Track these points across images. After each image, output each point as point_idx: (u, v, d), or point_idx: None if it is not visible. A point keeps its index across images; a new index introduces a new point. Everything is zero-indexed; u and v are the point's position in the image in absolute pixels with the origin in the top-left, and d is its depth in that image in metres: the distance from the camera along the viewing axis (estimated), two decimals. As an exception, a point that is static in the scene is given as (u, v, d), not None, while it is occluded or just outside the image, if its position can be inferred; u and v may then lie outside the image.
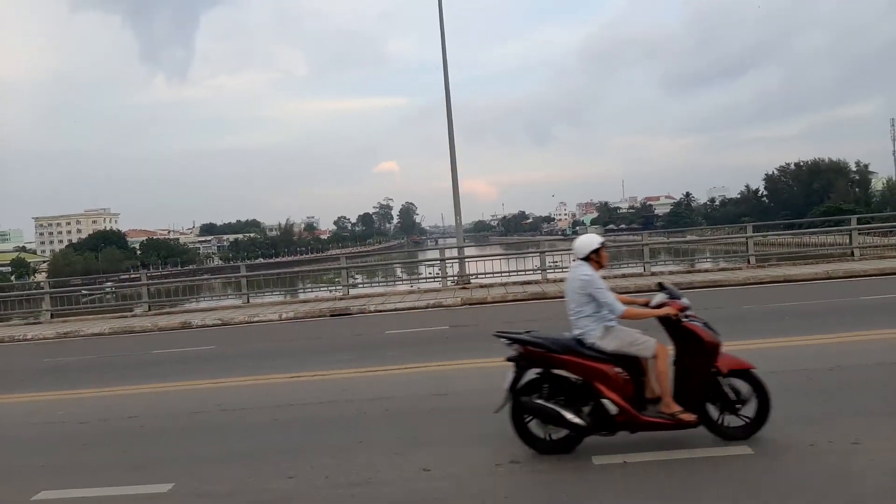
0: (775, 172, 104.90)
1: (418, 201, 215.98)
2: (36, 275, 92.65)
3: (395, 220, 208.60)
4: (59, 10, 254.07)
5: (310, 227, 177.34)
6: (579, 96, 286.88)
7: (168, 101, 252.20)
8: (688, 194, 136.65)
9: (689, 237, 44.80)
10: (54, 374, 11.61)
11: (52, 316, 20.39)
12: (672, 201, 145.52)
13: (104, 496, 5.26)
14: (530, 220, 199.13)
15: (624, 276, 19.15)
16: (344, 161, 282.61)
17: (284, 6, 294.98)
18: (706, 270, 19.12)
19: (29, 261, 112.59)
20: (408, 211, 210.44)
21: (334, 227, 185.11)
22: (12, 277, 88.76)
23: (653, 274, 18.68)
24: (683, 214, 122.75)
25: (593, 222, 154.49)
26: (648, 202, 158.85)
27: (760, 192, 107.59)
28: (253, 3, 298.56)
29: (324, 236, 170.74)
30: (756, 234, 21.07)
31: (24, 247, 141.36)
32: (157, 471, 5.75)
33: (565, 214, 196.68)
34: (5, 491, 5.54)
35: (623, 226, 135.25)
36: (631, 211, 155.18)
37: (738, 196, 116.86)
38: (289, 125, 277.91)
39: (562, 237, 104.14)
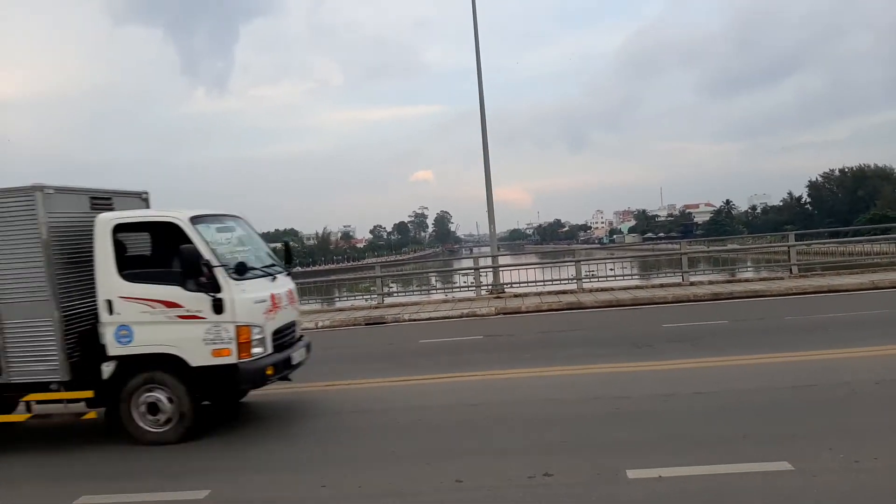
0: (819, 179, 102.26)
1: (453, 210, 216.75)
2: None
3: (431, 229, 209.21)
4: (102, 25, 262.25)
5: (346, 236, 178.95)
6: (616, 101, 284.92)
7: (208, 112, 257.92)
8: (728, 202, 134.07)
9: (729, 246, 43.89)
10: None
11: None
12: (712, 209, 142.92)
13: (144, 502, 5.38)
14: (566, 229, 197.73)
15: (662, 285, 18.87)
16: (380, 170, 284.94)
17: (321, 17, 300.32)
18: (746, 280, 18.72)
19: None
20: (443, 219, 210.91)
21: (370, 236, 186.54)
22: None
23: (691, 284, 18.35)
24: (723, 222, 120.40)
25: (631, 231, 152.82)
26: (687, 210, 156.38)
27: (804, 200, 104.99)
28: (291, 14, 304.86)
29: (360, 245, 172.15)
30: (798, 242, 20.57)
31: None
32: (197, 478, 5.84)
33: (602, 222, 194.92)
34: (47, 496, 5.71)
35: (661, 234, 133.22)
36: (669, 219, 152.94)
37: (781, 203, 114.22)
38: (325, 134, 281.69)
39: (599, 246, 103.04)
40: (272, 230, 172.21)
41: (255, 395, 9.17)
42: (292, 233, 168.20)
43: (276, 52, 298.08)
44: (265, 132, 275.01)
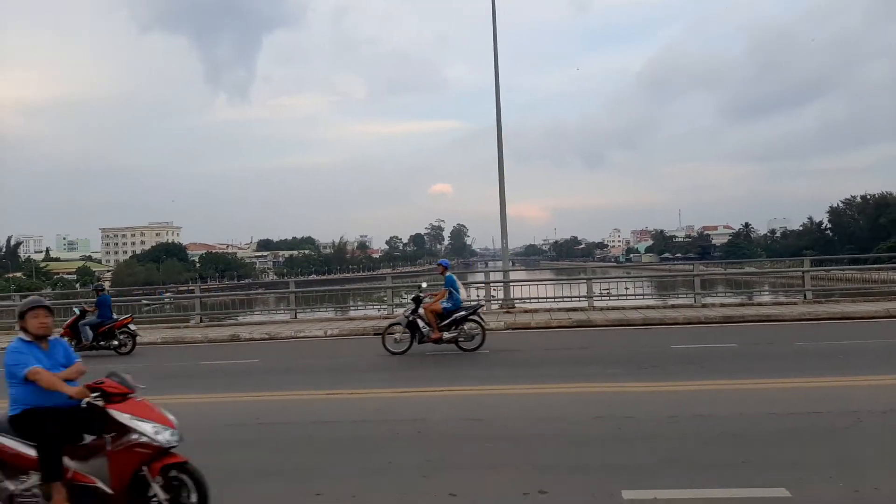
0: (840, 205, 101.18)
1: (470, 223, 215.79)
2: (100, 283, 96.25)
3: (447, 242, 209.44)
4: (128, 32, 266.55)
5: (362, 246, 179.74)
6: (635, 121, 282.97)
7: (230, 121, 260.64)
8: (747, 225, 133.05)
9: (746, 269, 43.51)
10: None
11: (109, 324, 21.10)
12: (730, 231, 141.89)
13: None
14: (583, 246, 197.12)
15: (674, 306, 18.72)
16: (398, 182, 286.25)
17: (344, 30, 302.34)
18: (759, 304, 18.54)
19: (94, 269, 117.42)
20: (459, 233, 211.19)
21: (386, 247, 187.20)
22: (77, 285, 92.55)
23: (703, 305, 18.19)
24: (742, 245, 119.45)
25: (648, 250, 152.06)
26: (705, 231, 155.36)
27: (824, 225, 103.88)
28: (314, 26, 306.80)
29: (376, 255, 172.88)
30: (814, 268, 20.35)
31: (90, 256, 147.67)
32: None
33: (619, 241, 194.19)
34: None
35: (679, 255, 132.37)
36: (687, 240, 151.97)
37: (801, 228, 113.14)
38: (345, 146, 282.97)
39: (615, 264, 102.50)
40: (290, 237, 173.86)
41: (256, 401, 9.21)
42: (309, 241, 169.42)
43: (298, 63, 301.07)
44: (286, 142, 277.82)
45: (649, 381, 9.06)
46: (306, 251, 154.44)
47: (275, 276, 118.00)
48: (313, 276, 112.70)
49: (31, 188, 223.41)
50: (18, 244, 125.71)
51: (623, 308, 18.37)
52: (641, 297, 21.00)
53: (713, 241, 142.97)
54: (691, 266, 24.54)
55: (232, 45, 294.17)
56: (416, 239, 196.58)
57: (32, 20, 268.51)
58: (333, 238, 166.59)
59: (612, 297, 20.09)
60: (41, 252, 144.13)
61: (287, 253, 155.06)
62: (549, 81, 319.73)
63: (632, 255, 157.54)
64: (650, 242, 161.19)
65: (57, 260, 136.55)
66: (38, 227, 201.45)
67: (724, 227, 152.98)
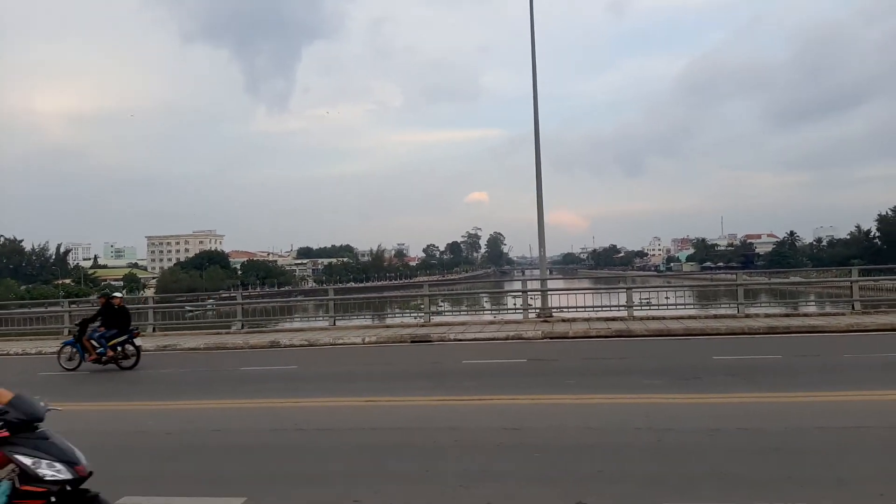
0: (889, 213, 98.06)
1: (507, 232, 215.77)
2: (145, 290, 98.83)
3: (483, 250, 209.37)
4: (171, 44, 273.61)
5: (399, 255, 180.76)
6: (675, 128, 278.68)
7: (269, 131, 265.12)
8: (792, 233, 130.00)
9: (791, 278, 42.44)
10: (147, 385, 12.31)
11: (154, 329, 21.65)
12: (774, 240, 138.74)
13: (182, 505, 5.51)
14: (622, 255, 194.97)
15: (716, 316, 18.36)
16: (435, 191, 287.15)
17: (382, 40, 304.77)
18: (805, 315, 18.05)
19: (139, 276, 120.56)
20: (496, 241, 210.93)
21: (423, 255, 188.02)
22: (123, 292, 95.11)
23: (746, 316, 17.80)
24: (787, 254, 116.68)
25: (689, 259, 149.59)
26: (749, 240, 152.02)
27: (872, 234, 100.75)
28: (352, 36, 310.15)
29: (413, 263, 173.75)
30: (862, 278, 19.76)
31: (136, 263, 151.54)
32: (233, 484, 5.97)
33: (659, 249, 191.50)
34: (94, 493, 5.90)
35: (721, 264, 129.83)
36: (730, 248, 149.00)
37: (848, 237, 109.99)
38: (383, 155, 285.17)
39: (655, 273, 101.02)
40: (329, 246, 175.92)
41: (295, 407, 9.33)
42: (348, 249, 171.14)
43: (336, 73, 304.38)
44: (325, 151, 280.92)
45: (690, 393, 8.91)
46: (345, 259, 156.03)
47: (314, 284, 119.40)
48: (351, 284, 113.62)
49: (80, 197, 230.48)
50: (67, 252, 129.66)
51: (663, 318, 18.09)
52: (682, 306, 20.63)
53: (756, 250, 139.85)
54: (734, 275, 24.05)
55: (272, 56, 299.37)
56: (453, 247, 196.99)
57: (84, 35, 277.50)
58: (371, 246, 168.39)
59: (652, 307, 19.79)
60: (89, 259, 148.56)
61: (326, 260, 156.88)
62: (588, 88, 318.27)
63: (672, 264, 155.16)
64: (691, 251, 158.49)
65: (104, 267, 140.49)
66: (86, 234, 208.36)
67: (768, 235, 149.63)
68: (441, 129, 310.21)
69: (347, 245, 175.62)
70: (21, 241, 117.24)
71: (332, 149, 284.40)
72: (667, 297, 20.66)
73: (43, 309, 28.42)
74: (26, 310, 29.37)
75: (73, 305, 26.85)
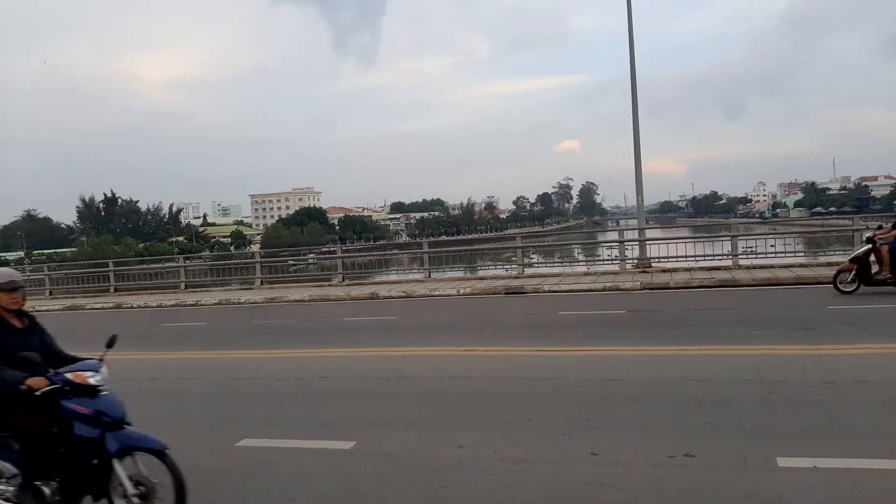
0: None
1: (599, 181, 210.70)
2: (251, 246, 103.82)
3: (575, 201, 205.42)
4: (261, 3, 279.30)
5: (489, 207, 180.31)
6: (779, 66, 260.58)
7: (358, 86, 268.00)
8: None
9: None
10: (261, 335, 12.99)
11: (261, 283, 22.77)
12: (893, 181, 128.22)
13: (295, 448, 5.83)
14: (724, 202, 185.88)
15: (829, 264, 17.26)
16: (524, 141, 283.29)
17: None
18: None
19: (245, 233, 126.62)
20: (588, 191, 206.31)
21: (513, 207, 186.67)
22: (231, 248, 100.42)
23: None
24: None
25: (797, 204, 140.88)
26: (863, 182, 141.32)
27: None
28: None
29: (503, 215, 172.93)
30: None
31: (241, 220, 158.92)
32: (343, 429, 6.25)
33: (764, 195, 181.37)
34: (215, 436, 6.36)
35: (832, 209, 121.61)
36: (842, 192, 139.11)
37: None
38: (470, 107, 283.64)
39: (760, 220, 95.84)
40: (420, 200, 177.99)
41: (397, 356, 9.60)
42: (439, 203, 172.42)
43: (422, 25, 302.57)
44: (413, 106, 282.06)
45: (803, 345, 8.48)
46: (436, 213, 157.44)
47: (407, 238, 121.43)
48: (443, 237, 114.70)
49: (188, 159, 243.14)
50: (179, 211, 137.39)
51: (772, 266, 17.20)
52: (792, 254, 19.50)
53: (872, 193, 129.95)
54: (849, 220, 22.45)
55: (357, 10, 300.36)
56: (544, 198, 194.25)
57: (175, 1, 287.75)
58: (461, 199, 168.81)
59: (758, 255, 18.82)
60: (199, 218, 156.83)
61: (418, 215, 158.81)
62: (682, 27, 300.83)
63: (779, 210, 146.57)
64: (799, 196, 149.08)
65: (213, 224, 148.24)
66: (195, 194, 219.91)
67: (886, 177, 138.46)
68: (529, 77, 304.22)
69: (438, 199, 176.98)
70: (137, 201, 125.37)
71: (420, 103, 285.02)
72: (772, 246, 19.58)
73: (160, 265, 30.45)
74: (145, 266, 31.56)
75: (187, 261, 28.55)
